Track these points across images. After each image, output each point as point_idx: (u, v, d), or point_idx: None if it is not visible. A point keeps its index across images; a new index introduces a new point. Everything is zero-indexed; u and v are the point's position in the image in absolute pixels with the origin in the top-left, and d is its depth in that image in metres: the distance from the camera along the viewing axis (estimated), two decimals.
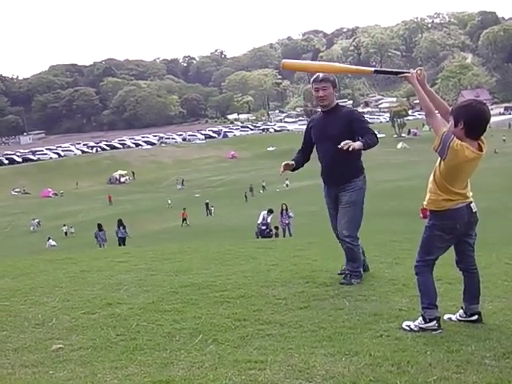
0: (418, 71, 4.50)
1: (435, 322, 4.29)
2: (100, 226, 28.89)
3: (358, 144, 5.38)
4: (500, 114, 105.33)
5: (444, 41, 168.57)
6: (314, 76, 5.98)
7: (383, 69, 5.14)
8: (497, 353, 3.79)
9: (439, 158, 4.23)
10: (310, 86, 6.12)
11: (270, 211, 24.97)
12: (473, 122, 4.11)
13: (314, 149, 6.20)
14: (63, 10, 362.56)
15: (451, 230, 4.31)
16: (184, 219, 37.16)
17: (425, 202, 4.42)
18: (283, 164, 6.03)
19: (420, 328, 4.28)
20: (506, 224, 22.83)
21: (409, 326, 4.32)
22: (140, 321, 4.81)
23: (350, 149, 5.28)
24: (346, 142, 5.30)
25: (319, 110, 6.12)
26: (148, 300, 5.45)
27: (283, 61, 5.27)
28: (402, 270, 6.24)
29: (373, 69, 4.98)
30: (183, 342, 4.27)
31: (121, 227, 28.00)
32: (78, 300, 5.61)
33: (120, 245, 26.46)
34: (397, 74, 4.74)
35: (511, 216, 25.80)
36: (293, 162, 6.07)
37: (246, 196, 48.26)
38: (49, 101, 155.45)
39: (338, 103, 5.99)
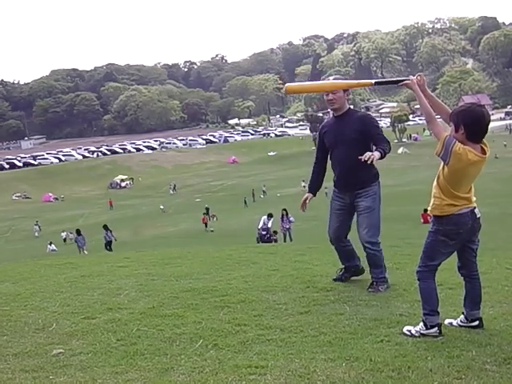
0: (418, 77, 4.50)
1: (436, 328, 4.29)
2: (78, 231, 30.06)
3: (377, 154, 5.33)
4: (501, 119, 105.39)
5: (445, 46, 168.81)
6: (325, 78, 6.02)
7: (383, 79, 5.17)
8: (498, 358, 3.78)
9: (442, 163, 4.22)
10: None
11: (270, 215, 24.99)
12: (473, 125, 4.10)
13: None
14: (64, 15, 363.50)
15: (455, 235, 4.30)
16: (205, 224, 36.97)
17: (429, 207, 4.40)
18: (302, 201, 5.99)
19: (421, 334, 4.27)
20: (507, 229, 22.83)
21: (409, 332, 4.32)
22: (140, 326, 4.80)
23: (374, 161, 5.24)
24: (368, 154, 5.23)
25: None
26: (148, 305, 5.45)
27: (287, 85, 5.29)
28: (403, 275, 6.23)
29: (373, 81, 4.97)
30: (183, 347, 4.26)
31: (108, 231, 29.01)
32: (78, 305, 5.61)
33: (107, 248, 27.66)
34: (397, 82, 4.75)
35: (510, 221, 25.78)
36: (310, 195, 6.03)
37: (245, 201, 48.21)
38: (50, 105, 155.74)
39: (350, 107, 5.86)
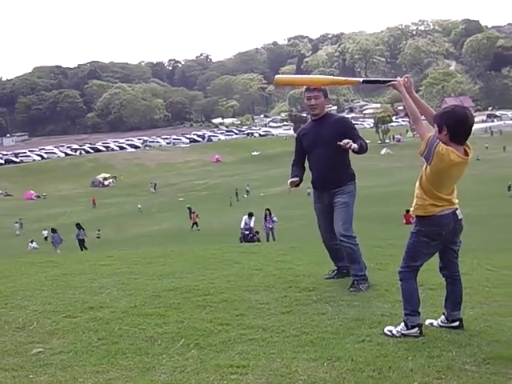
0: (405, 79, 4.53)
1: (417, 328, 4.31)
2: (54, 230, 30.67)
3: (356, 146, 5.58)
4: (483, 121, 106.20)
5: (428, 48, 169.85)
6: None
7: (371, 78, 5.21)
8: (477, 358, 3.82)
9: (425, 163, 4.25)
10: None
11: (251, 215, 25.06)
12: (456, 126, 4.13)
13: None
14: (48, 12, 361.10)
15: (437, 236, 4.33)
16: (195, 223, 36.87)
17: (411, 208, 4.43)
18: (289, 182, 6.05)
19: (402, 334, 4.29)
20: (488, 230, 23.04)
21: (391, 332, 4.34)
22: (122, 325, 4.79)
23: (352, 147, 5.49)
24: (347, 140, 5.51)
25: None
26: (130, 304, 5.43)
27: (276, 76, 5.34)
28: (385, 276, 6.26)
29: (361, 79, 5.02)
30: (165, 347, 4.25)
31: (80, 230, 29.87)
32: (59, 303, 5.57)
33: (80, 246, 28.70)
34: (384, 82, 4.81)
35: (493, 223, 26.03)
36: (297, 179, 6.09)
37: (230, 201, 48.18)
38: (33, 102, 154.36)
39: (327, 111, 6.14)
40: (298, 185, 6.13)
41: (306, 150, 6.16)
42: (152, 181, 70.62)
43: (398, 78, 4.56)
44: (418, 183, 4.37)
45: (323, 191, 6.06)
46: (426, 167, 4.25)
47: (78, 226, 29.97)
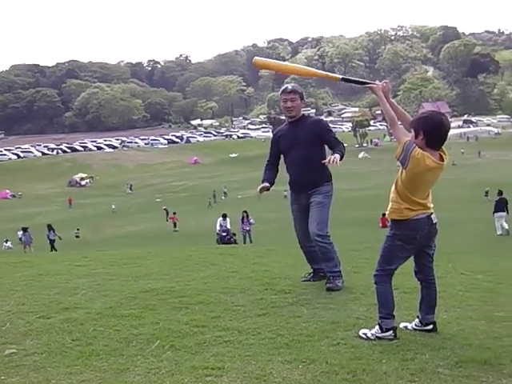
0: (384, 83, 4.57)
1: (392, 331, 4.34)
2: (25, 229, 30.63)
3: (338, 157, 5.63)
4: (459, 126, 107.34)
5: (406, 53, 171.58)
6: (283, 87, 6.16)
7: (350, 77, 5.19)
8: (450, 362, 3.85)
9: (401, 168, 4.29)
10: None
11: (225, 216, 25.09)
12: (432, 132, 4.17)
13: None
14: (26, 9, 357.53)
15: (412, 240, 4.36)
16: (174, 224, 36.72)
17: (386, 212, 4.46)
18: (259, 189, 6.06)
19: (376, 337, 4.32)
20: (463, 234, 23.25)
21: (365, 335, 4.36)
22: (97, 326, 4.76)
23: (338, 164, 5.54)
24: (331, 157, 5.59)
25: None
26: (106, 305, 5.40)
27: (255, 58, 5.31)
28: (361, 279, 6.30)
29: (341, 76, 5.04)
30: (140, 348, 4.23)
31: (51, 231, 29.97)
32: (33, 304, 5.52)
33: (51, 247, 28.72)
34: (363, 83, 4.83)
35: (468, 227, 26.29)
36: (267, 184, 6.10)
37: (209, 203, 48.10)
38: (9, 101, 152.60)
39: (303, 113, 6.17)
40: (268, 189, 6.15)
41: (282, 151, 6.19)
42: (128, 181, 70.29)
43: (377, 82, 4.60)
44: (393, 187, 4.40)
45: (300, 192, 6.10)
46: (402, 171, 4.28)
47: (49, 226, 30.10)
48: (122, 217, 46.39)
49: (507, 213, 23.37)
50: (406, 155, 4.16)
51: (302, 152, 5.92)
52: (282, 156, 6.26)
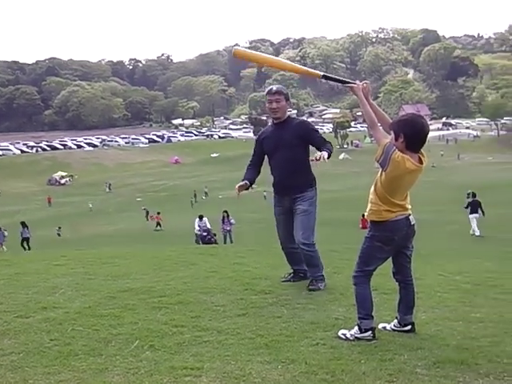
0: (364, 84, 4.58)
1: (370, 332, 4.37)
2: None
3: (326, 154, 5.56)
4: (438, 129, 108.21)
5: (387, 55, 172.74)
6: (268, 88, 6.11)
7: (331, 75, 5.17)
8: (428, 362, 3.89)
9: (380, 169, 4.31)
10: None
11: (201, 217, 25.07)
12: (412, 135, 4.19)
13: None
14: (5, 6, 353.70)
15: (390, 241, 4.39)
16: (158, 223, 36.55)
17: (365, 213, 4.48)
18: (237, 186, 6.00)
19: (355, 337, 4.34)
20: (441, 236, 23.45)
21: (344, 335, 4.38)
22: (75, 325, 4.73)
23: (326, 160, 5.46)
24: (318, 154, 5.51)
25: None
26: (84, 304, 5.36)
27: (235, 48, 5.21)
28: (340, 280, 6.32)
29: (322, 73, 5.01)
30: (119, 348, 4.21)
31: (25, 228, 29.78)
32: (11, 303, 5.47)
33: (24, 245, 28.79)
34: (344, 82, 4.80)
35: (446, 229, 26.49)
36: (246, 182, 6.06)
37: (191, 202, 47.98)
38: None
39: (289, 115, 6.12)
40: (247, 188, 6.12)
41: (266, 153, 6.15)
42: (107, 180, 69.94)
43: (358, 82, 4.61)
44: (372, 189, 4.42)
45: (284, 195, 6.07)
46: (382, 173, 4.30)
47: (23, 224, 29.87)
48: (102, 216, 46.12)
49: (483, 215, 23.70)
50: (386, 158, 4.18)
51: (287, 154, 5.88)
52: (266, 157, 6.22)
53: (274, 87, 6.05)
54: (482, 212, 23.67)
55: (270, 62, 5.47)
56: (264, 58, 5.42)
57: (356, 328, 4.39)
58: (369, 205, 4.43)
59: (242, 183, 6.04)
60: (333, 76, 5.13)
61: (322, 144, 5.79)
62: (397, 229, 4.37)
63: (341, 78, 4.96)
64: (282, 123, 6.01)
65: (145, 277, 6.69)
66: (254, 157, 6.29)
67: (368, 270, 4.47)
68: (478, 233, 23.42)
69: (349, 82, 4.70)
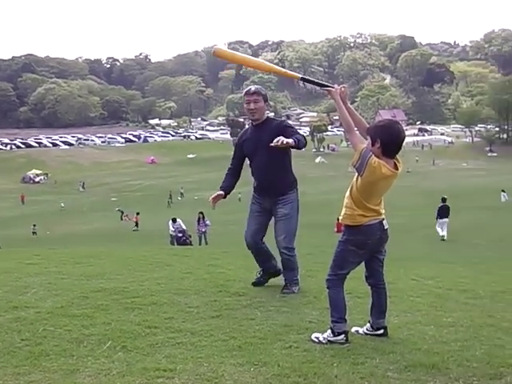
0: (342, 88, 4.58)
1: (343, 335, 4.39)
2: None
3: (290, 140, 5.33)
4: (414, 134, 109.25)
5: (365, 60, 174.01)
6: (247, 89, 6.01)
7: (309, 78, 5.17)
8: (399, 366, 3.91)
9: (356, 174, 4.33)
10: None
11: (174, 220, 25.00)
12: (389, 141, 4.22)
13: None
14: None
15: (364, 245, 4.41)
16: (136, 223, 36.32)
17: (340, 217, 4.49)
18: (212, 198, 5.93)
19: (328, 341, 4.36)
20: (415, 241, 23.67)
21: (317, 338, 4.39)
22: (47, 325, 4.68)
23: (285, 143, 5.22)
24: (277, 138, 5.26)
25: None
26: (57, 304, 5.31)
27: (215, 47, 5.17)
28: (314, 283, 6.34)
29: (300, 75, 5.02)
30: (91, 349, 4.18)
31: None
32: None
33: None
34: (322, 86, 4.78)
35: (420, 233, 26.73)
36: (222, 193, 5.98)
37: (168, 202, 47.78)
38: None
39: (268, 116, 6.01)
40: (224, 197, 6.03)
41: (247, 156, 6.04)
42: (81, 179, 69.45)
43: (336, 86, 4.62)
44: (348, 193, 4.44)
45: (265, 196, 5.99)
46: (358, 178, 4.32)
47: None
48: (76, 215, 45.73)
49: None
50: (363, 163, 4.20)
51: (266, 156, 5.76)
52: (246, 160, 6.11)
53: (253, 87, 5.95)
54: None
55: (250, 63, 5.42)
56: (244, 59, 5.39)
57: (329, 331, 4.40)
58: (343, 209, 4.45)
59: (217, 193, 5.96)
60: (311, 79, 5.13)
61: (293, 135, 5.58)
62: (370, 233, 4.40)
63: (319, 81, 4.94)
64: (260, 125, 5.90)
65: (119, 277, 6.64)
66: (234, 160, 6.18)
67: (342, 274, 4.49)
68: (445, 235, 24.17)
69: (327, 86, 4.68)
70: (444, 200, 25.04)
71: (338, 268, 4.48)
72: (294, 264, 5.96)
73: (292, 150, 5.74)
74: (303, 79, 5.06)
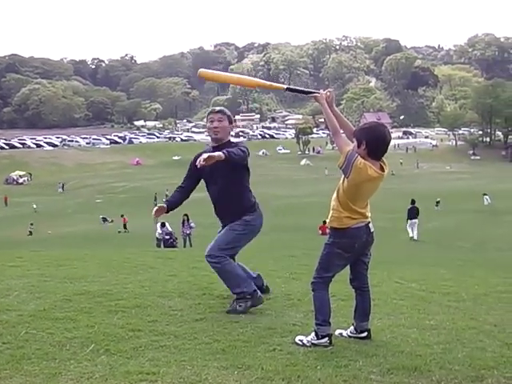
0: (328, 92, 4.59)
1: (327, 338, 4.40)
2: None
3: (217, 154, 5.02)
4: (399, 137, 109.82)
5: (350, 63, 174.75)
6: (211, 109, 5.81)
7: (295, 87, 5.21)
8: (382, 368, 3.93)
9: (342, 177, 4.34)
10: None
11: (163, 224, 24.94)
12: (375, 143, 4.25)
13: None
14: None
15: (350, 248, 4.43)
16: (124, 225, 36.14)
17: (327, 220, 4.51)
18: (154, 211, 5.65)
19: (312, 344, 4.37)
20: (399, 244, 23.78)
21: (301, 341, 4.40)
22: (29, 329, 4.64)
23: (208, 161, 4.93)
24: (203, 156, 4.96)
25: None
26: (39, 307, 5.28)
27: (200, 70, 5.14)
28: (298, 286, 6.36)
29: (285, 86, 5.05)
30: (74, 352, 4.15)
31: None
32: None
33: None
34: (307, 93, 4.82)
35: (404, 236, 26.82)
36: (165, 206, 5.69)
37: (155, 205, 47.59)
38: None
39: (229, 139, 5.68)
40: (168, 211, 5.73)
41: (203, 178, 5.73)
42: (60, 181, 68.99)
43: (321, 91, 4.63)
44: (334, 196, 4.46)
45: (222, 219, 5.74)
46: (344, 180, 4.34)
47: None
48: (60, 217, 45.42)
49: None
50: (349, 164, 4.22)
51: (222, 184, 5.49)
52: (201, 181, 5.78)
53: (218, 108, 5.70)
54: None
55: (235, 81, 5.44)
56: (228, 77, 5.44)
57: (313, 334, 4.41)
58: (331, 211, 4.47)
59: (158, 207, 5.69)
60: (296, 88, 5.19)
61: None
62: (357, 236, 4.42)
63: (304, 89, 4.96)
64: (221, 146, 5.41)
65: (102, 279, 6.61)
66: (187, 180, 5.85)
67: (327, 277, 4.50)
68: (415, 236, 25.16)
69: (312, 92, 4.71)
70: (413, 202, 25.83)
71: (324, 271, 4.49)
72: (224, 274, 5.43)
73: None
74: (289, 89, 5.09)
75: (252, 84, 5.36)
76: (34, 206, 49.65)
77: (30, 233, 35.12)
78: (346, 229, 4.39)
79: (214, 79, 5.57)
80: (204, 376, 3.74)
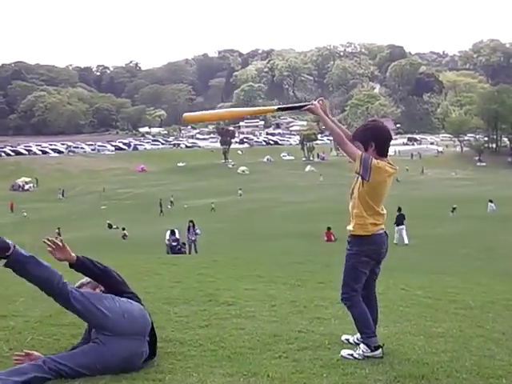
0: (320, 102, 4.52)
1: (380, 350, 4.29)
2: None
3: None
4: (404, 144, 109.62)
5: (354, 69, 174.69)
6: None
7: (286, 105, 5.12)
8: (389, 376, 3.90)
9: (359, 182, 4.27)
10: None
11: (172, 232, 24.88)
12: (382, 141, 4.26)
13: None
14: None
15: (377, 255, 4.37)
16: (123, 229, 36.11)
17: (350, 228, 4.36)
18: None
19: (365, 356, 4.25)
20: (405, 251, 23.68)
21: (352, 355, 4.28)
22: (35, 334, 4.64)
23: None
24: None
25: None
26: (45, 313, 5.28)
27: (184, 115, 4.97)
28: (304, 292, 6.34)
29: (276, 107, 4.92)
30: None
31: None
32: None
33: None
34: (300, 107, 4.69)
35: (410, 243, 26.74)
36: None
37: (161, 210, 47.53)
38: None
39: None
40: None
41: None
42: (60, 187, 69.10)
43: (314, 102, 4.53)
44: (353, 203, 4.34)
45: None
46: (363, 184, 4.24)
47: None
48: (65, 223, 45.44)
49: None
50: (367, 167, 4.15)
51: None
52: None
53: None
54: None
55: (223, 116, 5.44)
56: (216, 114, 5.36)
57: (364, 347, 4.29)
58: (353, 220, 4.35)
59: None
60: (287, 106, 5.12)
61: None
62: (381, 242, 4.38)
63: (295, 105, 4.82)
64: None
65: None
66: None
67: (358, 287, 4.37)
68: (406, 241, 25.84)
69: (304, 105, 4.59)
70: (399, 209, 26.84)
71: (354, 282, 4.35)
72: None
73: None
74: (280, 109, 4.96)
75: (241, 113, 5.26)
76: (25, 214, 49.80)
77: (59, 234, 35.12)
78: (370, 236, 4.31)
79: (200, 120, 5.49)
80: (209, 383, 3.72)
